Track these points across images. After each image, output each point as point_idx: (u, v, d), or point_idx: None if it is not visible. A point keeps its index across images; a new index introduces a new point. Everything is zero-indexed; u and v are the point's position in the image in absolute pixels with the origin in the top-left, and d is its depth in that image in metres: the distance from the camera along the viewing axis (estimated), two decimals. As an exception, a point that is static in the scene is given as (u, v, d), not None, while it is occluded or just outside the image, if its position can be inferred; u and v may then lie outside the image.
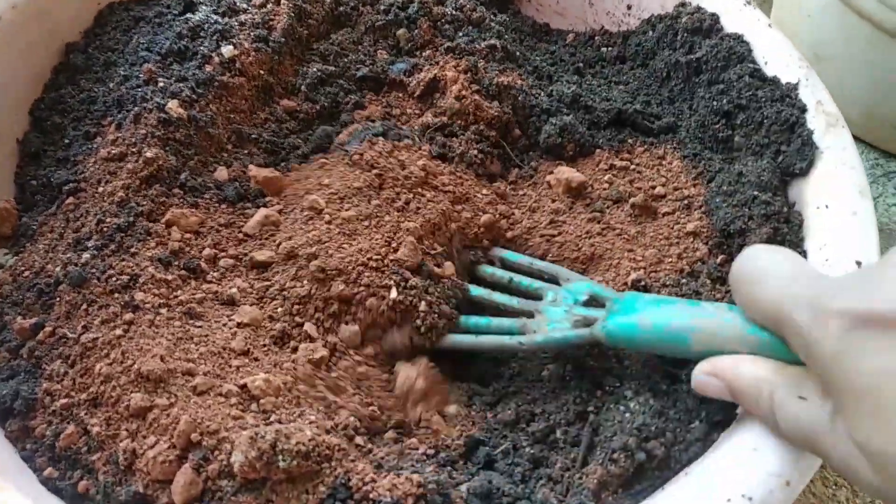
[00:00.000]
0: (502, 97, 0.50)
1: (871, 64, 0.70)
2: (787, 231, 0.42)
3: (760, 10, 0.54)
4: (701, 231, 0.44)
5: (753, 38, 0.52)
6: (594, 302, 0.41)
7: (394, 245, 0.42)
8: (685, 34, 0.54)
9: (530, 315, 0.42)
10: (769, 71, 0.50)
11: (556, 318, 0.40)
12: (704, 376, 0.32)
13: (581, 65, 0.58)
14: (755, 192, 0.43)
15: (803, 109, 0.47)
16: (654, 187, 0.47)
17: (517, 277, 0.44)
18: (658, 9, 0.57)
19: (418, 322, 0.41)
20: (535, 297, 0.43)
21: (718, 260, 0.43)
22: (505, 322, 0.42)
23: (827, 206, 0.42)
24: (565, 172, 0.48)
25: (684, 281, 0.42)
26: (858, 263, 0.38)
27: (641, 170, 0.49)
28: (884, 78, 0.70)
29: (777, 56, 0.50)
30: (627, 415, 0.36)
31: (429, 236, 0.44)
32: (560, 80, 0.55)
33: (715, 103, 0.49)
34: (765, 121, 0.47)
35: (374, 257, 0.42)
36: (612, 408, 0.37)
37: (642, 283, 0.42)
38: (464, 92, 0.49)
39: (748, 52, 0.51)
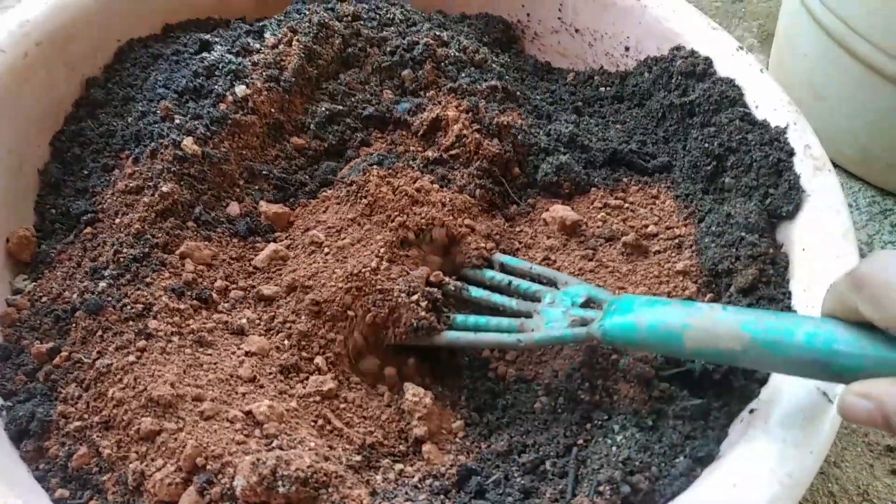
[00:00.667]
0: (502, 136, 0.52)
1: (866, 104, 0.71)
2: (773, 272, 0.43)
3: (753, 56, 0.56)
4: (690, 270, 0.46)
5: (745, 82, 0.54)
6: (591, 304, 0.42)
7: (380, 256, 0.45)
8: (679, 77, 0.56)
9: (528, 316, 0.44)
10: (759, 115, 0.52)
11: (553, 318, 0.42)
12: (855, 398, 0.29)
13: (580, 104, 0.60)
14: (742, 234, 0.45)
15: (791, 153, 0.48)
16: (646, 226, 0.49)
17: (516, 280, 0.46)
18: (654, 51, 0.59)
19: (404, 324, 0.44)
20: (534, 299, 0.45)
21: (706, 298, 0.45)
22: (503, 321, 0.44)
23: (812, 249, 0.44)
24: (560, 211, 0.50)
25: (673, 318, 0.44)
26: (840, 306, 0.40)
27: (635, 208, 0.51)
28: (878, 118, 0.71)
29: (767, 100, 0.52)
30: (614, 448, 0.38)
31: (412, 244, 0.47)
32: (559, 119, 0.57)
33: (707, 145, 0.51)
34: (754, 163, 0.49)
35: (361, 272, 0.44)
36: (599, 441, 0.39)
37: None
38: (464, 131, 0.51)
39: (739, 96, 0.53)
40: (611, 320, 0.38)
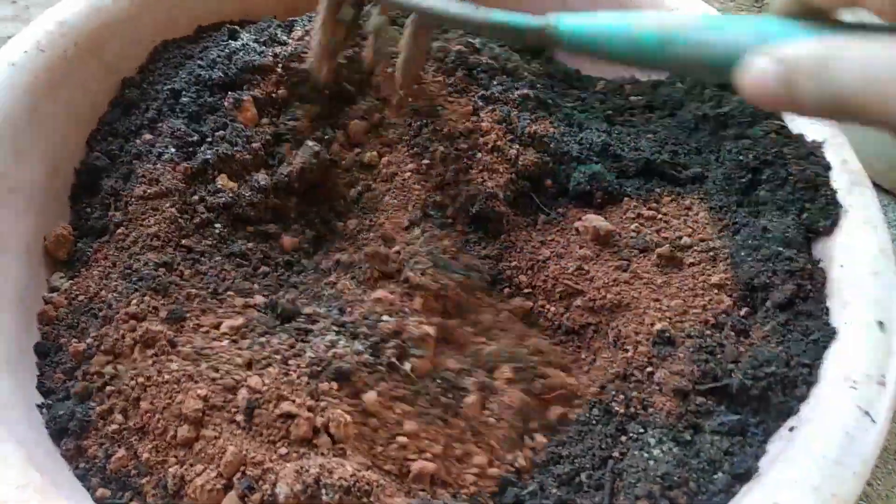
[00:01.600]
0: (535, 145, 0.52)
1: None
2: (811, 288, 0.43)
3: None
4: (725, 283, 0.46)
5: (781, 95, 0.53)
6: None
7: None
8: (714, 88, 0.56)
9: None
10: (795, 128, 0.51)
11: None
12: (761, 63, 0.25)
13: (611, 112, 0.60)
14: (780, 248, 0.45)
15: (828, 168, 0.48)
16: (680, 237, 0.49)
17: None
18: (688, 61, 0.59)
19: None
20: None
21: (742, 312, 0.44)
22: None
23: (850, 266, 0.43)
24: (593, 220, 0.49)
25: (709, 332, 0.43)
26: (880, 324, 0.40)
27: (669, 219, 0.50)
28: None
29: (803, 114, 0.52)
30: (651, 462, 0.38)
31: None
32: (590, 127, 0.57)
33: (741, 157, 0.51)
34: (790, 177, 0.48)
35: None
36: (635, 454, 0.39)
37: (667, 334, 0.44)
38: (499, 142, 0.51)
39: (775, 108, 0.53)
40: (569, 18, 0.35)
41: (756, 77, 0.25)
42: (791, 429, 0.37)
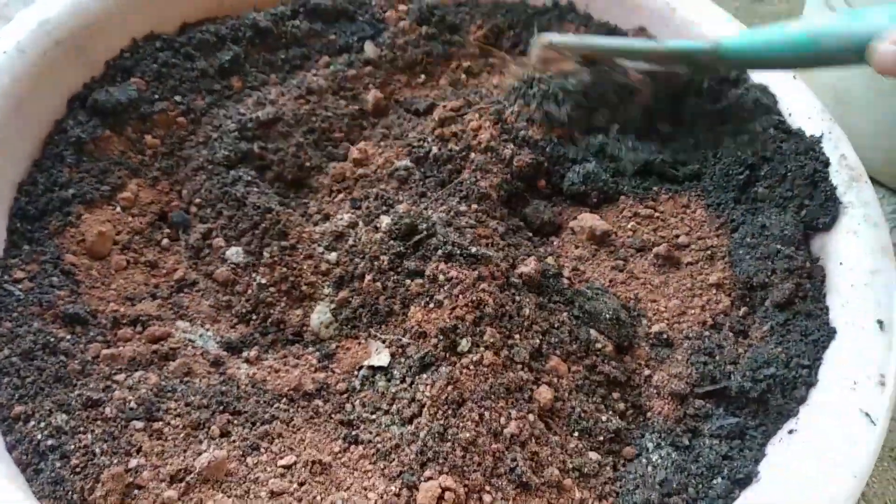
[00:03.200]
0: (531, 145, 0.51)
1: (890, 110, 0.70)
2: (810, 287, 0.43)
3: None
4: (724, 283, 0.45)
5: (778, 88, 0.53)
6: None
7: None
8: (712, 82, 0.55)
9: None
10: (794, 123, 0.51)
11: None
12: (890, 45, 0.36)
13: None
14: (778, 246, 0.44)
15: (826, 163, 0.47)
16: (677, 236, 0.48)
17: None
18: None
19: None
20: None
21: (741, 312, 0.44)
22: None
23: (849, 263, 0.43)
24: (588, 220, 0.49)
25: (707, 333, 0.43)
26: (880, 323, 0.39)
27: (666, 218, 0.50)
28: (904, 123, 0.70)
29: (801, 108, 0.51)
30: (649, 468, 0.37)
31: None
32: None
33: (740, 153, 0.50)
34: (788, 174, 0.48)
35: None
36: (633, 460, 0.38)
37: (665, 335, 0.43)
38: (492, 143, 0.50)
39: (774, 103, 0.52)
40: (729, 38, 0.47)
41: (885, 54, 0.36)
42: (791, 431, 0.37)
